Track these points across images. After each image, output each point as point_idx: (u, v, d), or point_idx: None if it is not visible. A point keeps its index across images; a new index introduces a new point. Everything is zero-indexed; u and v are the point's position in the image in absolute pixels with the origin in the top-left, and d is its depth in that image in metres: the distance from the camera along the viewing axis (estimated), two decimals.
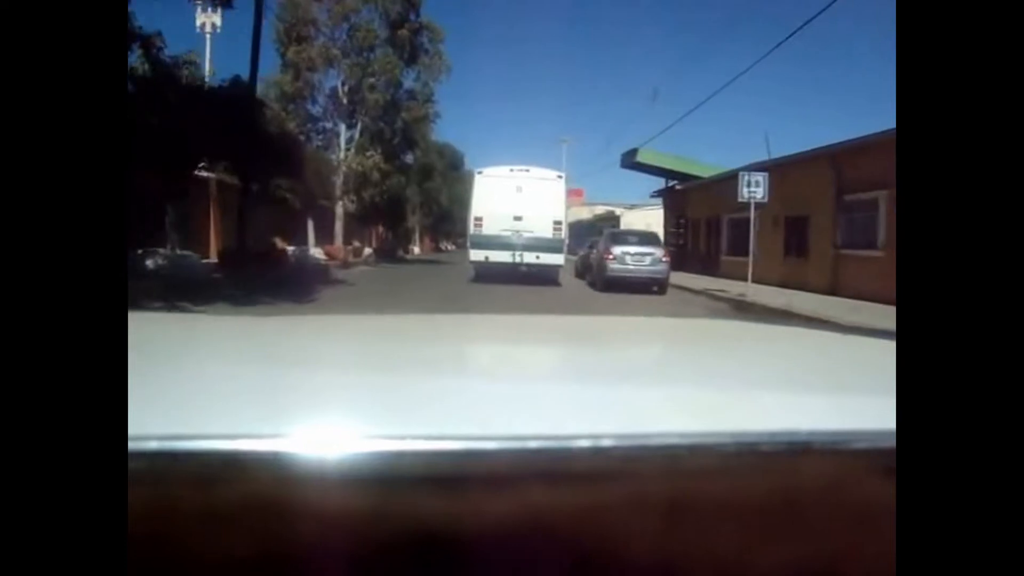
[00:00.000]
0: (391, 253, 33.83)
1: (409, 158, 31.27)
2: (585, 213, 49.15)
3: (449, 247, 64.16)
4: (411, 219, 41.51)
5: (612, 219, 39.85)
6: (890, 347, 0.65)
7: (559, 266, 15.93)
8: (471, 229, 16.09)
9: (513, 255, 15.44)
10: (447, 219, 52.62)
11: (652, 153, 25.06)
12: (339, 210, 26.25)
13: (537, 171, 16.32)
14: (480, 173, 16.49)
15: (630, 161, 25.88)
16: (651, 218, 33.08)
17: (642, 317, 2.73)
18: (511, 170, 15.98)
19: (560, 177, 16.69)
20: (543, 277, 15.42)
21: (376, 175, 25.74)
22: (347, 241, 27.26)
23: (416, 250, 45.25)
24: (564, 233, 16.24)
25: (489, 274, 15.25)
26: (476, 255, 15.71)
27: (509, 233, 15.43)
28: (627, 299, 12.54)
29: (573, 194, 46.07)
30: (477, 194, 16.06)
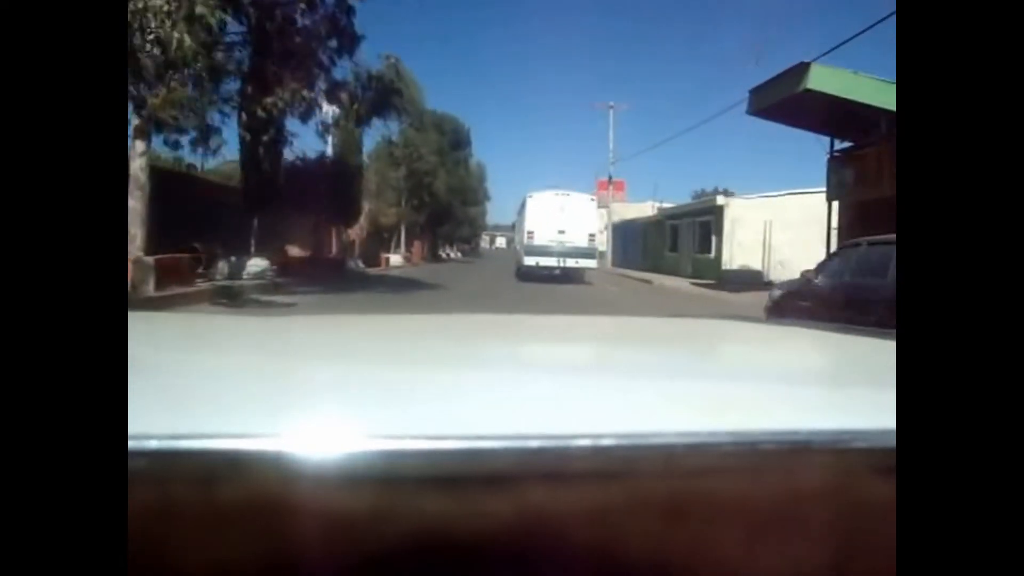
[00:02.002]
0: (335, 267, 18.21)
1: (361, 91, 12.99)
2: (632, 211, 37.16)
3: (453, 255, 49.94)
4: (383, 211, 27.85)
5: (706, 211, 24.40)
6: (890, 347, 0.65)
7: (590, 268, 20.92)
8: (525, 240, 21.20)
9: (557, 260, 20.14)
10: (447, 215, 38.96)
11: (839, 75, 11.62)
12: (135, 166, 10.03)
13: (575, 195, 21.77)
14: (531, 197, 21.63)
15: (787, 93, 12.16)
16: (778, 211, 20.65)
17: (642, 317, 2.75)
18: (555, 194, 21.41)
19: (592, 199, 22.38)
20: (576, 277, 20.07)
21: (199, 62, 9.71)
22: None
23: (396, 260, 28.33)
24: (596, 242, 21.54)
25: (532, 275, 19.68)
26: (529, 260, 20.57)
27: (554, 244, 20.30)
28: None
29: (614, 186, 36.69)
30: (529, 213, 21.10)
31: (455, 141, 39.54)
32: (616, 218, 37.29)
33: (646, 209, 36.76)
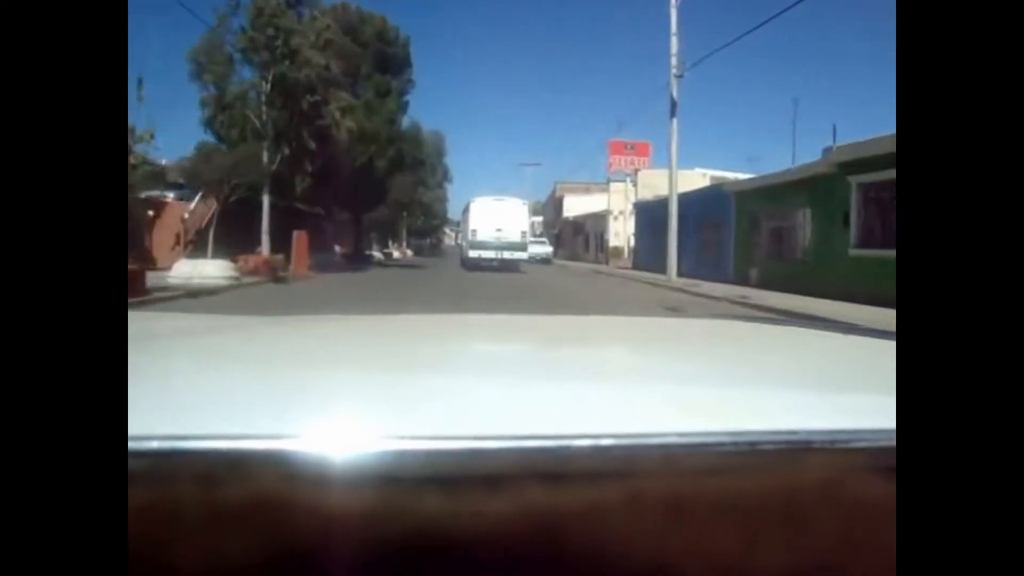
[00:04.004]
0: None
1: None
2: (661, 182, 21.23)
3: (397, 254, 36.93)
4: (206, 157, 15.62)
5: None
6: (890, 347, 0.65)
7: (522, 259, 25.31)
8: (469, 237, 25.62)
9: (496, 252, 24.61)
10: (369, 187, 22.83)
11: None
12: None
13: (509, 200, 26.85)
14: (474, 201, 26.42)
15: None
16: None
17: (642, 317, 2.73)
18: (494, 199, 26.31)
19: (524, 204, 27.44)
20: (512, 267, 23.96)
21: None
22: None
23: (211, 271, 11.87)
24: (527, 238, 26.31)
25: (477, 266, 23.65)
26: (473, 253, 24.95)
27: (493, 240, 24.87)
28: None
29: (635, 150, 29.12)
30: (473, 214, 25.76)
31: (382, 57, 21.47)
32: (649, 193, 26.59)
33: (693, 180, 22.23)
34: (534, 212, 54.84)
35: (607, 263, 32.32)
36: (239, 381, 0.56)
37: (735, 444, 0.39)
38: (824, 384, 0.64)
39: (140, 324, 0.64)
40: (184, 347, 0.75)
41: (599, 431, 0.38)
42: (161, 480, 0.35)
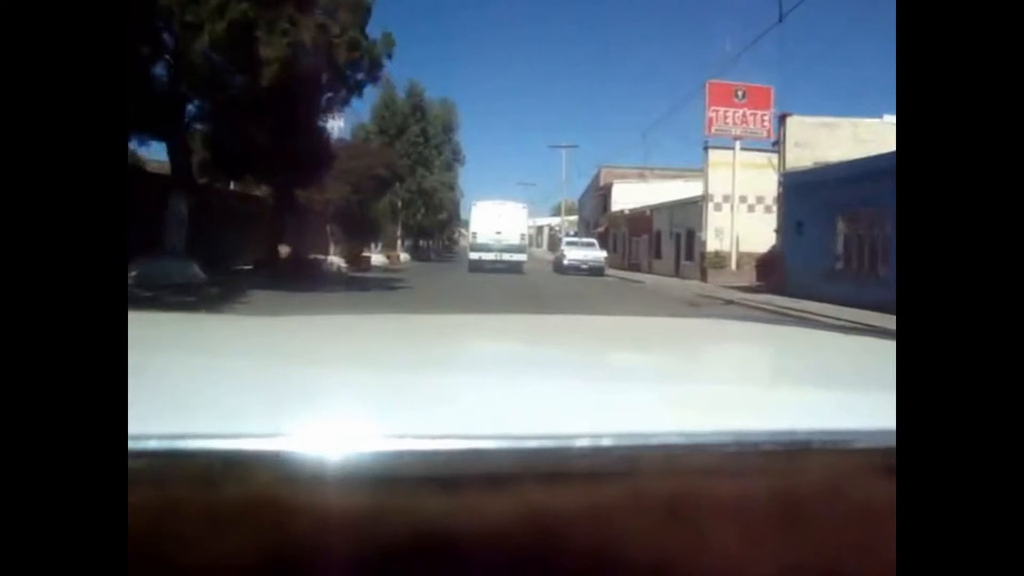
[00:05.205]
0: None
1: None
2: (807, 133, 15.38)
3: (384, 259, 26.31)
4: None
5: None
6: (890, 347, 0.65)
7: (523, 261, 26.23)
8: (471, 239, 27.21)
9: (495, 255, 25.74)
10: (281, 115, 10.41)
11: None
12: None
13: (510, 203, 28.16)
14: (475, 205, 27.95)
15: None
16: None
17: (642, 317, 2.74)
18: (494, 203, 27.59)
19: (524, 207, 28.63)
20: (513, 269, 24.75)
21: None
22: None
23: None
24: (525, 240, 27.58)
25: (480, 268, 24.38)
26: (474, 255, 26.09)
27: (493, 242, 26.07)
28: None
29: (748, 99, 18.15)
30: (474, 218, 27.27)
31: None
32: (807, 157, 14.99)
33: (841, 135, 14.66)
34: (568, 211, 48.29)
35: (703, 279, 19.39)
36: (238, 380, 0.56)
37: (735, 444, 0.39)
38: (824, 384, 0.64)
39: (139, 324, 0.64)
40: (183, 346, 0.75)
41: (599, 431, 0.38)
42: (160, 479, 0.35)
